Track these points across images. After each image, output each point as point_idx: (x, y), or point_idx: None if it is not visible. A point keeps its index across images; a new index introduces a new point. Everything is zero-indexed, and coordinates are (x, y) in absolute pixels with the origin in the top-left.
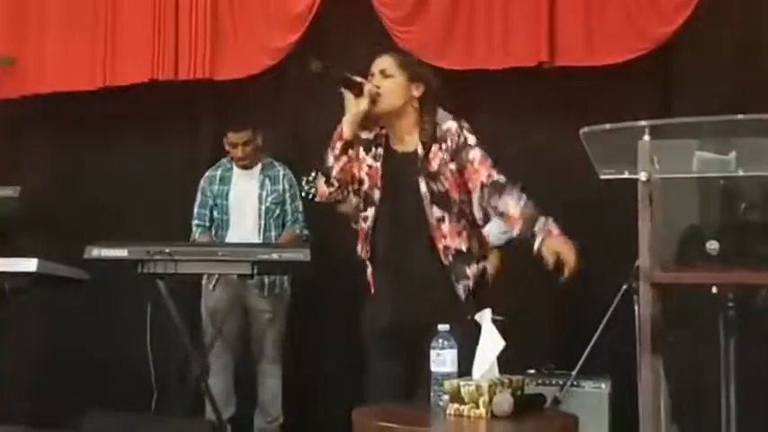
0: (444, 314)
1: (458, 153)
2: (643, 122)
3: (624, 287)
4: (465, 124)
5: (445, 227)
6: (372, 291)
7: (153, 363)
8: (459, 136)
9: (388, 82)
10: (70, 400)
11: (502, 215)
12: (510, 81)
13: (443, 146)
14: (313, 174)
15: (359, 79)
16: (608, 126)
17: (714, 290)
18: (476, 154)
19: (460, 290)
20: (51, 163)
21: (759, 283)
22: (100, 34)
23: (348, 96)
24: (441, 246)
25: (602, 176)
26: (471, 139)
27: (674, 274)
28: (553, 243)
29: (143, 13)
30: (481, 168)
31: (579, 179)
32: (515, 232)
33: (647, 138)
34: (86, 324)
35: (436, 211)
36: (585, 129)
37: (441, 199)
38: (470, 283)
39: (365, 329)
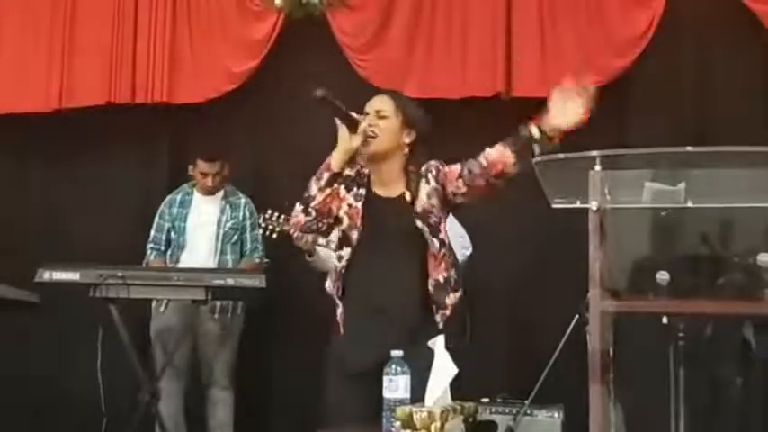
0: (421, 354)
1: (438, 177)
2: (594, 153)
3: (577, 317)
4: (442, 162)
5: (440, 255)
6: (342, 331)
7: (103, 387)
8: (437, 165)
9: (382, 123)
10: (18, 425)
11: (487, 166)
12: (466, 109)
13: (428, 177)
14: (269, 212)
15: (356, 116)
16: (560, 156)
17: (665, 320)
18: (449, 166)
19: (438, 318)
20: (3, 184)
21: (708, 312)
22: (56, 56)
23: (342, 130)
24: (434, 276)
25: (555, 206)
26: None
27: (625, 303)
28: (549, 121)
29: (100, 35)
30: (456, 165)
31: (533, 208)
32: (511, 162)
33: (598, 168)
34: (36, 347)
35: (436, 242)
36: (538, 158)
37: (436, 230)
38: (448, 312)
39: (332, 369)
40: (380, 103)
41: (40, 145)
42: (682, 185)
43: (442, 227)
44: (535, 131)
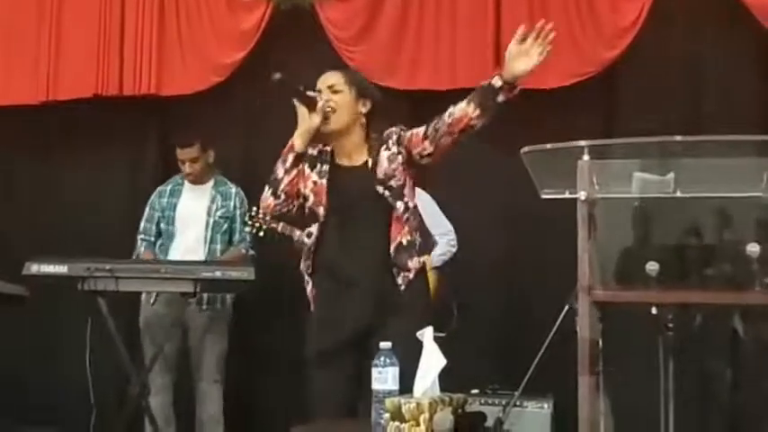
0: (394, 326)
1: (400, 141)
2: (582, 143)
3: (566, 308)
4: (402, 126)
5: (404, 218)
6: (312, 308)
7: (92, 381)
8: (399, 131)
9: (338, 97)
10: (8, 419)
11: (452, 123)
12: (455, 100)
13: (389, 143)
14: (255, 209)
15: (313, 94)
16: (548, 146)
17: (654, 310)
18: (411, 130)
19: (400, 280)
20: None
21: (697, 302)
22: (43, 48)
23: (301, 110)
24: (397, 239)
25: (544, 196)
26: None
27: (614, 293)
28: (507, 67)
29: (88, 27)
30: (420, 128)
31: (523, 198)
32: (474, 114)
33: (586, 158)
34: (25, 341)
35: (400, 205)
36: (526, 148)
37: (398, 194)
38: (411, 275)
39: (311, 345)
40: (332, 78)
41: (27, 137)
42: (670, 175)
43: (405, 191)
44: (496, 80)
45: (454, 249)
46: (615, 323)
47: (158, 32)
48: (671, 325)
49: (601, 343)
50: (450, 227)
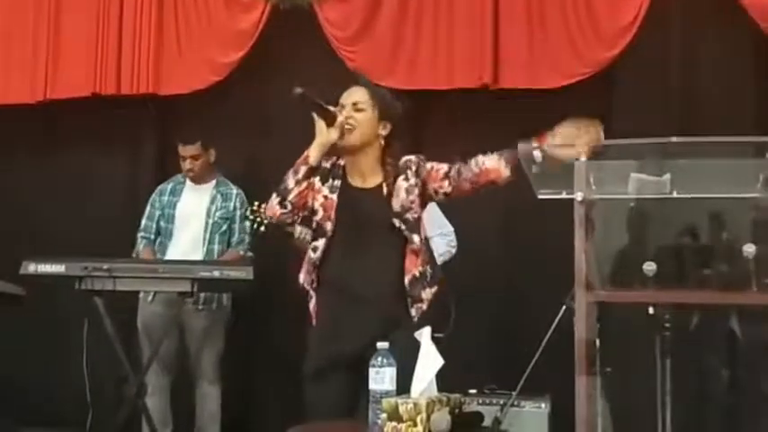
0: (398, 341)
1: (419, 173)
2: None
3: (564, 307)
4: (422, 156)
5: (419, 251)
6: (315, 322)
7: (89, 381)
8: (418, 161)
9: (360, 116)
10: (3, 419)
11: (479, 173)
12: (454, 100)
13: (407, 173)
14: (257, 204)
15: (332, 109)
16: (546, 146)
17: (651, 310)
18: (432, 163)
19: (414, 312)
20: None
21: (694, 302)
22: (41, 47)
23: (320, 124)
24: (411, 271)
25: (541, 196)
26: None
27: (611, 293)
28: (553, 147)
29: (86, 26)
30: (443, 165)
31: (520, 199)
32: (506, 174)
33: (583, 159)
34: (22, 340)
35: (416, 238)
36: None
37: (414, 227)
38: (424, 306)
39: (311, 362)
40: (357, 96)
41: (25, 137)
42: (667, 176)
43: (420, 222)
44: (537, 154)
45: (454, 250)
46: (612, 323)
47: (156, 31)
48: (668, 325)
49: (598, 343)
50: (450, 227)
